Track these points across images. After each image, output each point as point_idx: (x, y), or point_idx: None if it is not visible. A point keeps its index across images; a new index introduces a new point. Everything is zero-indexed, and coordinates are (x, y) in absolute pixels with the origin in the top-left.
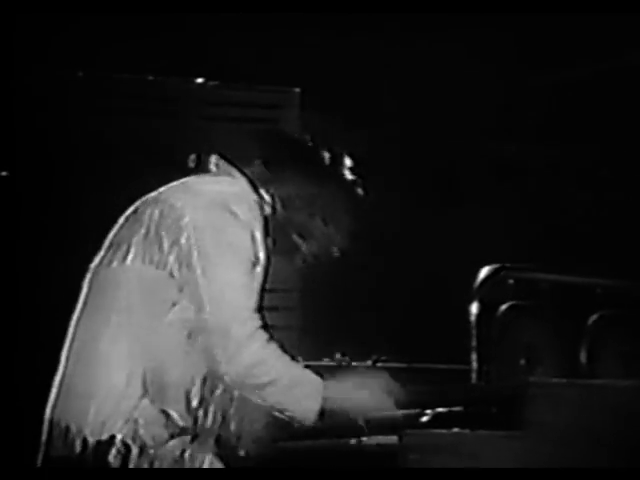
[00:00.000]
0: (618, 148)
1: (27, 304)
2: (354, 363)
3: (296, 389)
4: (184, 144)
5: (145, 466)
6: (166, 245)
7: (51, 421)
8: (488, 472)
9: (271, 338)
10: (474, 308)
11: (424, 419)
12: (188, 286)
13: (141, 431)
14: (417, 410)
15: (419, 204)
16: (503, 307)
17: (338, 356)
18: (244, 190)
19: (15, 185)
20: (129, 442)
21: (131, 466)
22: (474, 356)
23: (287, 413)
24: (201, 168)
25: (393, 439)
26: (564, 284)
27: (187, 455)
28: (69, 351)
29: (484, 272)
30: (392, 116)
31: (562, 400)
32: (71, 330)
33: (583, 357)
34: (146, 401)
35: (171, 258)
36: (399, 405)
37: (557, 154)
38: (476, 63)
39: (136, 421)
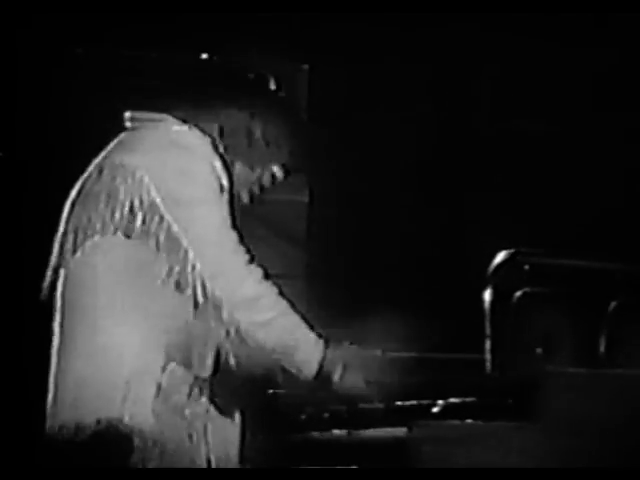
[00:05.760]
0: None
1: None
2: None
3: (298, 332)
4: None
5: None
6: (128, 208)
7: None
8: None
9: (266, 275)
10: (488, 295)
11: (436, 410)
12: (166, 241)
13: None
14: (429, 400)
15: (432, 187)
16: (518, 294)
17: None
18: (184, 124)
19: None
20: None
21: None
22: (488, 345)
23: (289, 357)
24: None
25: (402, 430)
26: (582, 270)
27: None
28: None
29: (499, 257)
30: (405, 96)
31: (580, 391)
32: (57, 333)
33: (602, 346)
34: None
35: (138, 218)
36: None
37: (576, 134)
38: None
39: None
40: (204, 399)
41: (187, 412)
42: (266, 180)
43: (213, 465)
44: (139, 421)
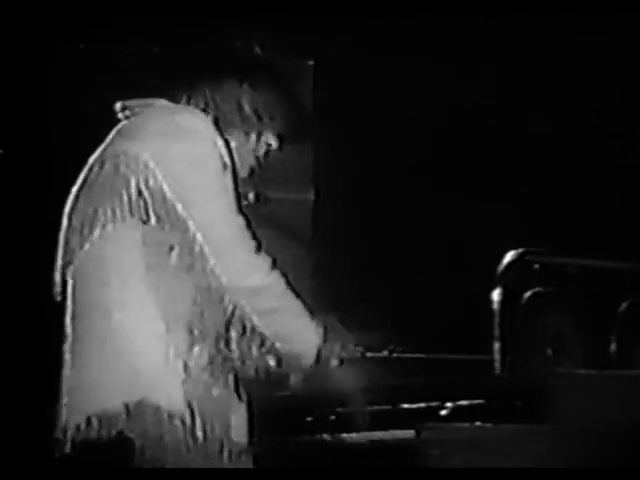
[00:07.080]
0: None
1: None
2: (369, 354)
3: (301, 320)
4: None
5: None
6: (136, 192)
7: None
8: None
9: (274, 264)
10: (497, 295)
11: (445, 412)
12: (175, 225)
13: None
14: (437, 403)
15: (438, 185)
16: (528, 294)
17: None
18: (182, 104)
19: (15, 162)
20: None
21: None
22: (497, 346)
23: (289, 344)
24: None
25: (410, 434)
26: (593, 269)
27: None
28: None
29: (508, 256)
30: (411, 93)
31: (591, 392)
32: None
33: (613, 346)
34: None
35: (147, 202)
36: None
37: (587, 133)
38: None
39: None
40: (231, 378)
41: (215, 392)
42: (261, 150)
43: (229, 445)
44: (171, 404)
